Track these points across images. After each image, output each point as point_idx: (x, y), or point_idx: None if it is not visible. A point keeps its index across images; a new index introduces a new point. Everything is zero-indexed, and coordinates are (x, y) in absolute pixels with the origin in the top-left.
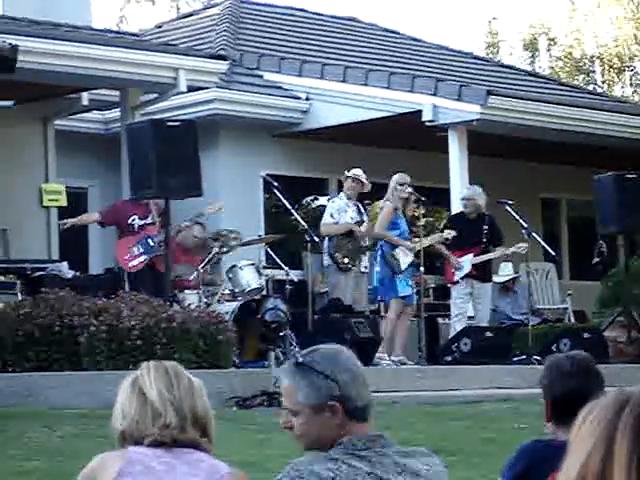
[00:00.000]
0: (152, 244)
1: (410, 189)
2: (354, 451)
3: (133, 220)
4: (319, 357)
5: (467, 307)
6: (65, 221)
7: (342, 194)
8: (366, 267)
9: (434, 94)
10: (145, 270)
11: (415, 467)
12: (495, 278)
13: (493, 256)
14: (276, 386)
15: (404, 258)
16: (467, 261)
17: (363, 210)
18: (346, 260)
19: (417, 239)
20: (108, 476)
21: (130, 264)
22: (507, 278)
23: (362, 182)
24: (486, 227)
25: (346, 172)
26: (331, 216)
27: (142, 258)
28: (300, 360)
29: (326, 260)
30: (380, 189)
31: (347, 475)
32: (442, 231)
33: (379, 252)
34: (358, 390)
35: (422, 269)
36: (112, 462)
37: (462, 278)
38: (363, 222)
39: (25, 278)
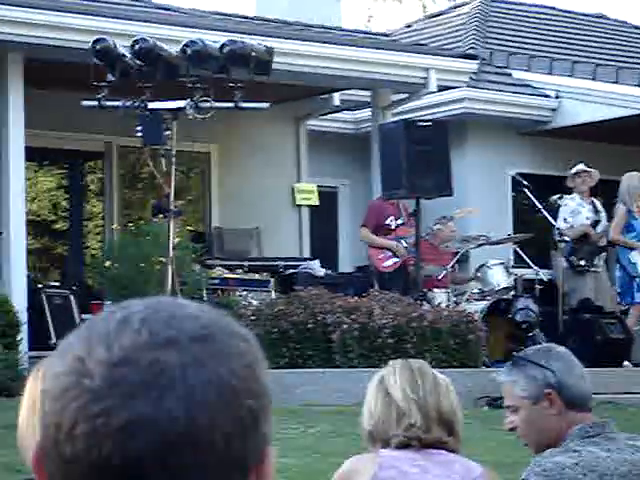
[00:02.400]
0: (405, 245)
1: None
2: (588, 437)
3: (390, 220)
4: (533, 351)
5: None
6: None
7: (574, 194)
8: (603, 266)
9: None
10: (395, 270)
11: None
12: None
13: None
14: None
15: None
16: None
17: (600, 207)
18: (582, 262)
19: None
20: None
21: (384, 264)
22: None
23: (589, 174)
24: None
25: (570, 170)
26: (564, 220)
27: (395, 259)
28: (515, 357)
29: (564, 263)
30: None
31: (588, 460)
32: None
33: (617, 256)
34: (575, 380)
35: None
36: (365, 466)
37: None
38: (599, 221)
39: (278, 276)
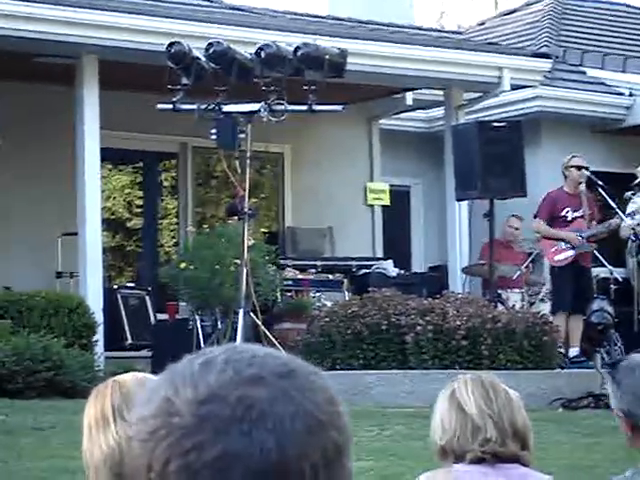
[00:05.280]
0: (581, 239)
1: None
2: None
3: (567, 212)
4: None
5: None
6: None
7: None
8: None
9: None
10: (569, 265)
11: None
12: None
13: None
14: (603, 388)
15: None
16: None
17: None
18: None
19: None
20: None
21: (556, 258)
22: None
23: None
24: None
25: (638, 168)
26: (629, 217)
27: (570, 253)
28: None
29: (631, 261)
30: None
31: None
32: None
33: None
34: None
35: None
36: None
37: None
38: None
39: (351, 276)
